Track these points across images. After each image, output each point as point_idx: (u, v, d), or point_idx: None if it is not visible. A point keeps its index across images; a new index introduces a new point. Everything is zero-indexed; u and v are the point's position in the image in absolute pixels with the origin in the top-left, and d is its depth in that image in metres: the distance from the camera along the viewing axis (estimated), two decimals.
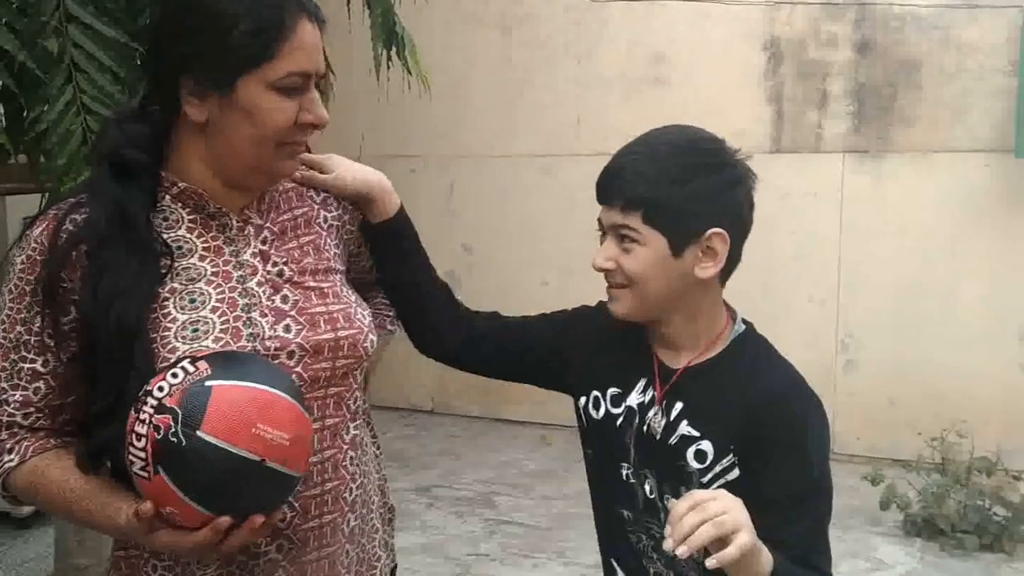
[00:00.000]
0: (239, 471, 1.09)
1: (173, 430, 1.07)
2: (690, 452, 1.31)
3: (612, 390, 1.40)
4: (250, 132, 1.23)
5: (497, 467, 4.69)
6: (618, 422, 1.38)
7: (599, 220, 1.36)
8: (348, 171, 1.43)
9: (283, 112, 1.22)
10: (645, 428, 1.35)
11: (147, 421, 1.09)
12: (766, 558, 1.17)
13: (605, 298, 1.39)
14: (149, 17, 2.36)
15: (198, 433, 1.07)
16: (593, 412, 1.42)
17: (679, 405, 1.33)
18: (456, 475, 4.63)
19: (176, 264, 1.25)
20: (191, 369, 1.11)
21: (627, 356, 1.40)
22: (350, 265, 1.45)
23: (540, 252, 5.33)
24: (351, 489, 1.35)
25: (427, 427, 5.34)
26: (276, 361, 1.24)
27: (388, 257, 1.48)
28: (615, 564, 1.43)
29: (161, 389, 1.10)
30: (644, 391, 1.37)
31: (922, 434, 4.07)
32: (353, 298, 1.37)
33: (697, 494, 1.14)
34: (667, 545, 1.11)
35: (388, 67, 2.66)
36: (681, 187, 1.29)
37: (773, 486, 1.27)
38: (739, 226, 1.33)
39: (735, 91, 4.92)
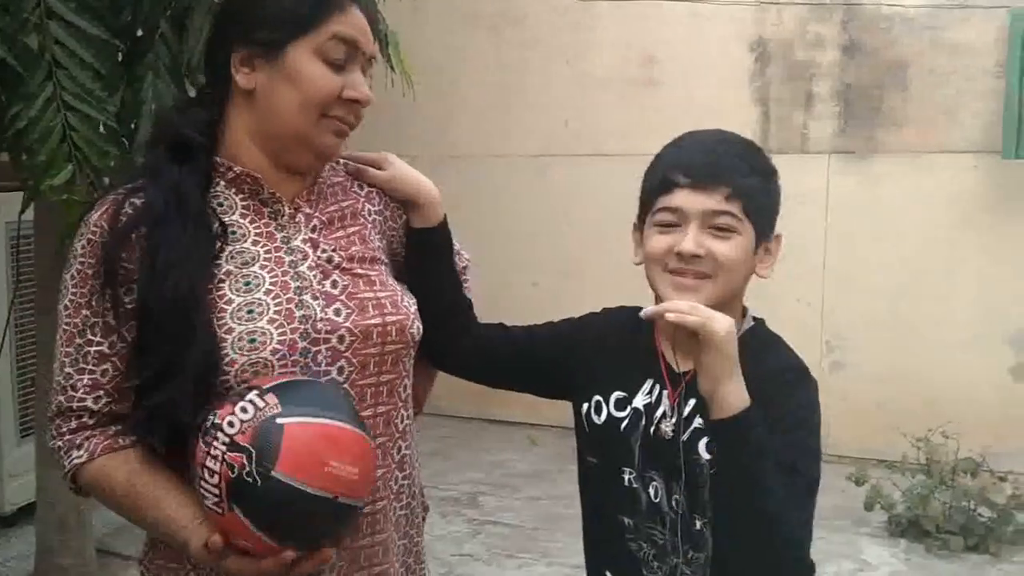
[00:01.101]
0: (313, 509, 1.13)
1: (247, 469, 1.10)
2: (701, 444, 1.32)
3: (617, 393, 1.41)
4: (295, 97, 1.27)
5: (486, 468, 4.69)
6: (623, 425, 1.38)
7: (670, 208, 1.34)
8: (402, 172, 1.48)
9: (327, 80, 1.27)
10: (652, 429, 1.36)
11: (219, 458, 1.11)
12: (739, 391, 1.22)
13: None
14: (131, 14, 2.36)
15: (273, 473, 1.10)
16: (595, 417, 1.42)
17: (692, 402, 1.34)
18: (444, 476, 4.61)
19: (230, 247, 1.29)
20: (260, 404, 1.14)
21: (633, 358, 1.42)
22: (392, 262, 1.48)
23: (532, 253, 5.32)
24: (398, 478, 1.38)
25: (420, 428, 5.31)
26: (328, 345, 1.28)
27: (423, 263, 1.50)
28: (608, 574, 1.43)
29: (232, 425, 1.12)
30: (651, 392, 1.38)
31: (908, 435, 4.07)
32: (398, 287, 1.41)
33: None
34: (645, 312, 1.27)
35: (371, 64, 2.66)
36: (769, 183, 1.38)
37: (779, 454, 1.27)
38: None
39: (723, 92, 4.92)
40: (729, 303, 1.36)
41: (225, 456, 1.11)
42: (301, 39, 1.27)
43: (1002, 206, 4.52)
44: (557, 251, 5.24)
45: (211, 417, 1.14)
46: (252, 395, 1.15)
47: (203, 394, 1.20)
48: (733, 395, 1.23)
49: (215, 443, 1.12)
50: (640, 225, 1.44)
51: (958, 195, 4.58)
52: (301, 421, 1.13)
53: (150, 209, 1.25)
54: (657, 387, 1.38)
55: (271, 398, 1.14)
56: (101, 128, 2.21)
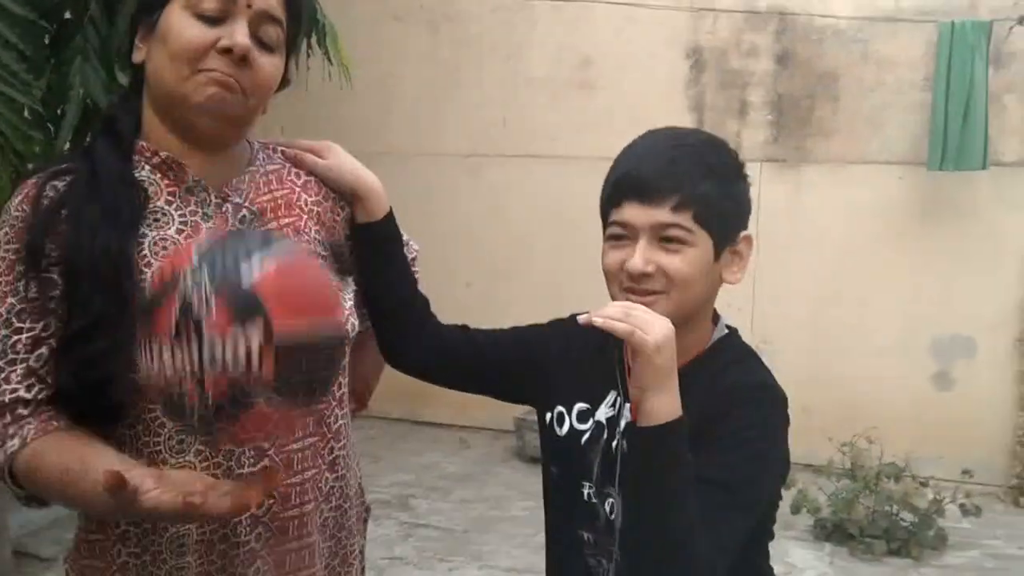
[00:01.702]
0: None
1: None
2: None
3: (579, 405, 1.36)
4: (166, 55, 1.20)
5: (416, 470, 4.64)
6: (583, 438, 1.33)
7: (619, 222, 1.27)
8: (344, 162, 1.40)
9: (193, 31, 1.19)
10: (614, 443, 1.30)
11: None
12: (668, 402, 1.14)
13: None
14: None
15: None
16: (557, 428, 1.37)
17: None
18: (374, 478, 4.54)
19: (153, 234, 1.22)
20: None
21: (597, 370, 1.35)
22: (332, 254, 1.40)
23: (465, 253, 5.29)
24: (328, 479, 1.32)
25: (357, 427, 5.25)
26: None
27: (370, 259, 1.42)
28: None
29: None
30: (614, 404, 1.32)
31: (834, 440, 4.14)
32: (334, 281, 1.31)
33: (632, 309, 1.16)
34: (581, 318, 1.17)
35: (308, 55, 2.60)
36: (727, 186, 1.27)
37: (704, 466, 1.20)
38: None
39: (659, 97, 4.96)
40: (694, 315, 1.29)
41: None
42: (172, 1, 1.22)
43: (927, 217, 4.64)
44: (490, 251, 5.22)
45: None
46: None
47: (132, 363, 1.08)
48: (660, 405, 1.15)
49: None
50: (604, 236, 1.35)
51: (884, 205, 4.69)
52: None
53: (72, 187, 1.20)
54: (619, 399, 1.32)
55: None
56: (25, 112, 2.11)
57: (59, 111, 2.21)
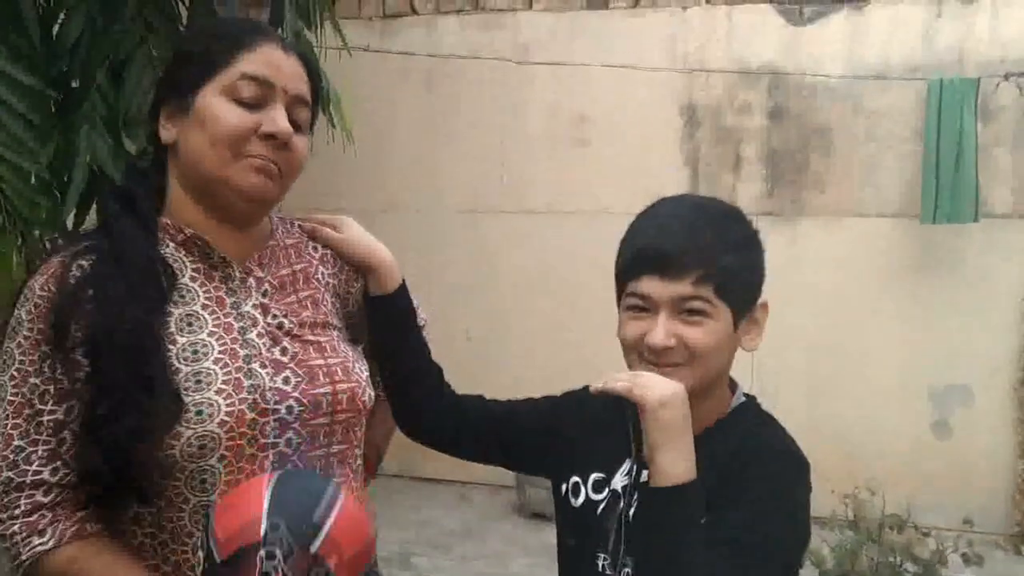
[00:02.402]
0: None
1: None
2: None
3: (595, 475, 1.35)
4: (204, 138, 1.22)
5: (415, 526, 4.62)
6: (599, 508, 1.32)
7: (639, 294, 1.26)
8: (357, 236, 1.44)
9: (235, 116, 1.22)
10: (630, 512, 1.29)
11: None
12: (679, 462, 1.15)
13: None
14: (67, 63, 2.32)
15: None
16: (573, 500, 1.36)
17: None
18: None
19: (179, 311, 1.23)
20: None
21: (611, 439, 1.35)
22: (347, 325, 1.44)
23: (464, 306, 5.32)
24: None
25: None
26: (276, 416, 1.23)
27: (382, 330, 1.46)
28: None
29: None
30: (630, 472, 1.31)
31: (835, 491, 4.13)
32: (351, 353, 1.37)
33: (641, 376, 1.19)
34: (591, 388, 1.19)
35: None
36: (746, 257, 1.27)
37: (714, 528, 1.20)
38: None
39: (654, 153, 5.04)
40: (712, 384, 1.29)
41: None
42: (208, 83, 1.23)
43: (921, 267, 4.68)
44: (489, 304, 5.25)
45: None
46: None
47: (160, 443, 1.15)
48: (670, 464, 1.15)
49: None
50: (618, 301, 1.33)
51: (880, 256, 4.74)
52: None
53: (97, 266, 1.21)
54: (634, 467, 1.31)
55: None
56: (32, 179, 2.15)
57: (66, 177, 2.25)
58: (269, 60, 1.24)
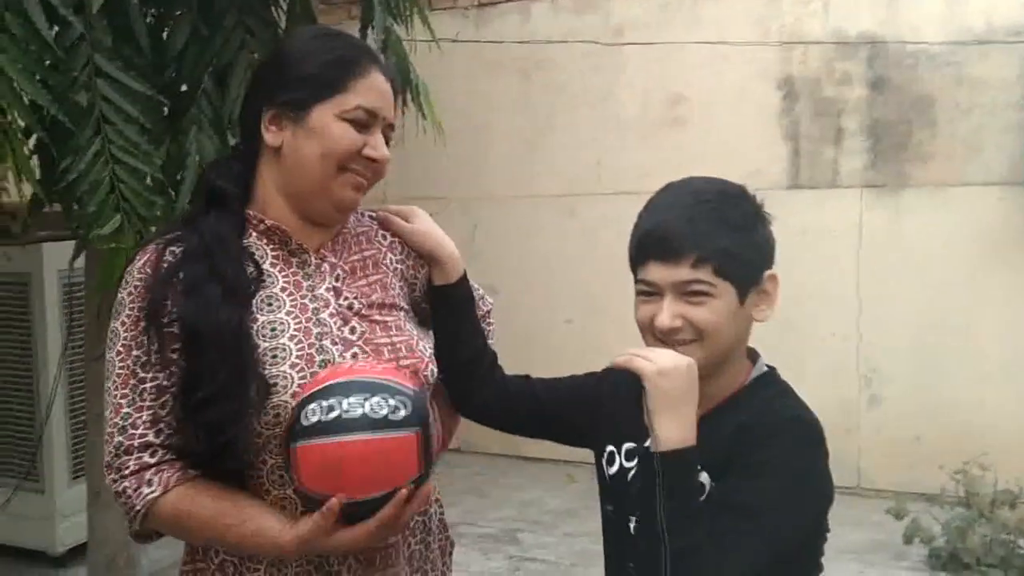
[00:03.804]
0: None
1: None
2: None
3: (628, 445, 1.42)
4: (316, 151, 1.36)
5: (520, 505, 4.72)
6: (631, 475, 1.40)
7: (645, 280, 1.35)
8: (424, 227, 1.55)
9: (349, 138, 1.36)
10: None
11: None
12: (677, 429, 1.22)
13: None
14: (175, 71, 2.47)
15: None
16: (608, 468, 1.45)
17: None
18: (480, 513, 4.66)
19: (261, 293, 1.37)
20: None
21: (642, 409, 1.38)
22: (415, 309, 1.55)
23: (563, 292, 5.39)
24: (413, 516, 1.42)
25: (453, 465, 5.35)
26: None
27: (443, 317, 1.56)
28: None
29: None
30: None
31: (945, 468, 4.05)
32: (415, 332, 1.48)
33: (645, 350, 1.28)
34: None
35: (403, 113, 2.76)
36: (745, 236, 1.33)
37: (721, 492, 1.27)
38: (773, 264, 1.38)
39: (752, 130, 4.98)
40: (727, 357, 1.36)
41: None
42: (324, 103, 1.36)
43: None
44: (587, 288, 5.29)
45: None
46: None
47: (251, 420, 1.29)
48: (668, 430, 1.23)
49: None
50: None
51: (986, 227, 4.59)
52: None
53: (190, 254, 1.35)
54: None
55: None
56: (147, 180, 2.30)
57: (178, 177, 2.41)
58: (378, 90, 1.40)
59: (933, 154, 4.68)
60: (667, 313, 1.31)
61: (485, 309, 1.67)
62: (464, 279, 1.56)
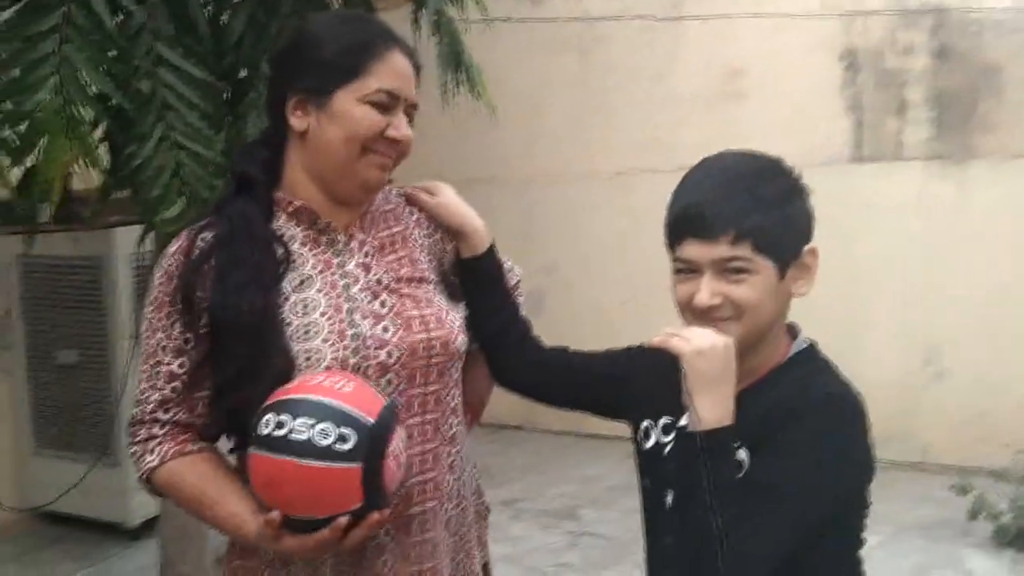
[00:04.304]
0: None
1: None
2: None
3: (664, 419, 1.43)
4: (340, 135, 1.39)
5: (581, 481, 4.75)
6: (667, 450, 1.40)
7: (683, 259, 1.34)
8: (450, 202, 1.58)
9: (371, 120, 1.39)
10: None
11: None
12: (713, 408, 1.23)
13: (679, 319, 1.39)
14: (234, 58, 2.54)
15: None
16: (644, 443, 1.46)
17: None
18: (541, 489, 4.71)
19: (291, 274, 1.41)
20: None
21: (679, 384, 1.38)
22: (444, 283, 1.59)
23: (620, 270, 5.38)
24: (448, 481, 1.48)
25: (514, 443, 5.43)
26: (377, 360, 1.39)
27: (473, 290, 1.59)
28: None
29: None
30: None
31: (1010, 445, 3.98)
32: (445, 304, 1.51)
33: (685, 330, 1.29)
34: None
35: (455, 93, 2.79)
36: (781, 211, 1.31)
37: (755, 470, 1.27)
38: (813, 237, 1.36)
39: (812, 103, 4.91)
40: (766, 333, 1.35)
41: None
42: (346, 87, 1.39)
43: None
44: (645, 267, 5.24)
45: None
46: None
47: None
48: (705, 410, 1.24)
49: None
50: None
51: None
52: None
53: (220, 239, 1.39)
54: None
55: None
56: (209, 164, 2.37)
57: None
58: (398, 71, 1.42)
59: (999, 124, 4.57)
60: (706, 291, 1.30)
61: (513, 281, 1.69)
62: (491, 252, 1.59)
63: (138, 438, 1.42)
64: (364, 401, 1.28)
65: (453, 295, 1.59)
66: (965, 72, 4.62)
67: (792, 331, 1.41)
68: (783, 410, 1.28)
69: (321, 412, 1.24)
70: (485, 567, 1.62)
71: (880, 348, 4.78)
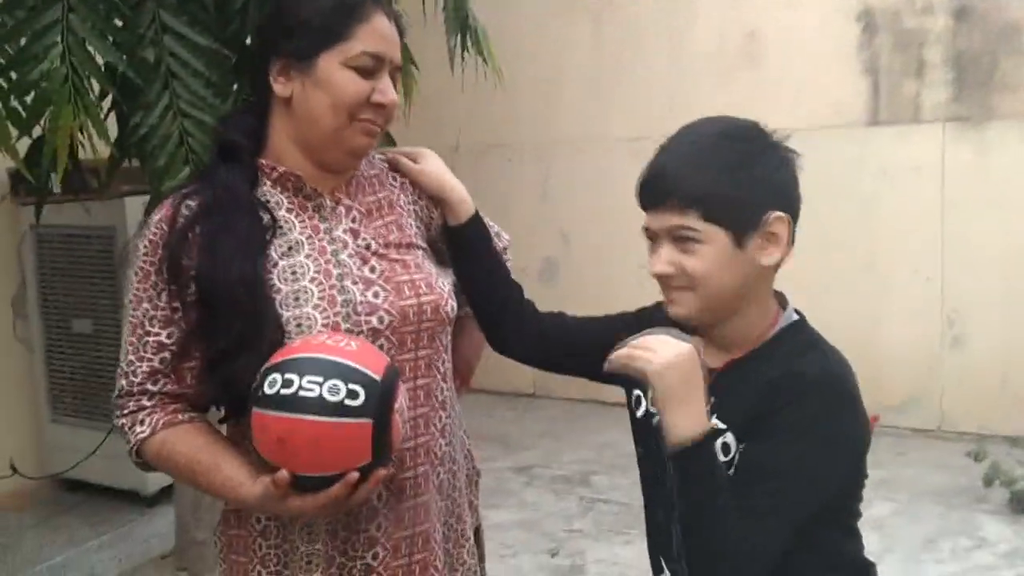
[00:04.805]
0: None
1: None
2: (717, 445, 1.28)
3: None
4: (327, 102, 1.37)
5: (596, 448, 4.75)
6: (655, 420, 1.37)
7: (646, 228, 1.33)
8: (432, 169, 1.56)
9: (356, 86, 1.37)
10: None
11: None
12: (686, 421, 1.19)
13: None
14: (239, 25, 2.51)
15: None
16: (635, 411, 1.45)
17: (711, 400, 1.29)
18: (555, 456, 4.72)
19: (278, 240, 1.40)
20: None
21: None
22: (433, 249, 1.58)
23: (636, 236, 5.30)
24: (440, 445, 1.49)
25: (529, 410, 5.44)
26: (368, 326, 1.38)
27: (458, 257, 1.58)
28: (663, 563, 1.44)
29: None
30: None
31: None
32: (434, 269, 1.51)
33: (643, 340, 1.24)
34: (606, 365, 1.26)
35: (463, 59, 2.76)
36: (734, 176, 1.26)
37: (752, 454, 1.24)
38: (794, 207, 1.31)
39: (830, 65, 4.85)
40: (734, 305, 1.31)
41: None
42: (330, 50, 1.37)
43: None
44: None
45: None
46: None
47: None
48: (677, 424, 1.20)
49: None
50: None
51: None
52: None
53: (205, 207, 1.38)
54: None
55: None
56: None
57: None
58: (381, 34, 1.40)
59: (1020, 84, 4.50)
60: (659, 260, 1.29)
61: (502, 245, 1.68)
62: (475, 219, 1.57)
63: (127, 410, 1.41)
64: (370, 358, 1.28)
65: (443, 261, 1.58)
66: (985, 32, 4.54)
67: (781, 302, 1.37)
68: (778, 391, 1.25)
69: (329, 369, 1.24)
70: (477, 531, 1.63)
71: (898, 313, 4.74)
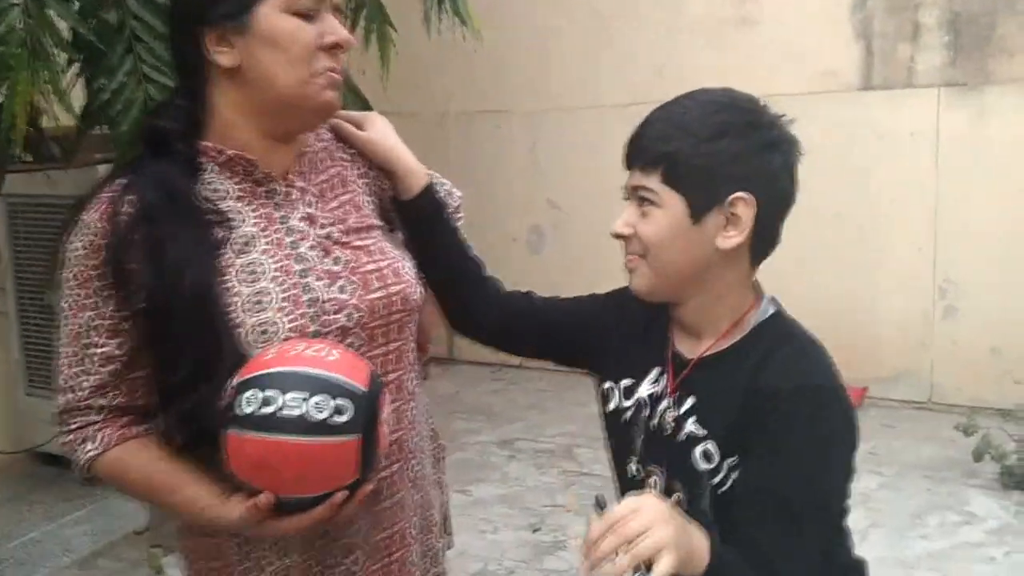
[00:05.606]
0: None
1: None
2: (697, 451, 1.22)
3: (625, 381, 1.35)
4: (279, 57, 1.24)
5: (581, 421, 4.68)
6: (627, 415, 1.32)
7: (623, 188, 1.29)
8: (381, 138, 1.44)
9: (304, 31, 1.24)
10: (655, 422, 1.28)
11: None
12: (699, 558, 1.06)
13: None
14: None
15: None
16: (605, 404, 1.38)
17: (690, 400, 1.25)
18: (540, 428, 4.66)
19: (231, 235, 1.27)
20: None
21: (645, 345, 1.33)
22: (384, 218, 1.47)
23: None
24: (412, 438, 1.41)
25: (516, 381, 5.37)
26: (337, 325, 1.28)
27: (412, 232, 1.47)
28: None
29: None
30: (656, 381, 1.30)
31: (1020, 383, 3.89)
32: (397, 252, 1.40)
33: (617, 511, 1.02)
34: (582, 572, 1.04)
35: (439, 19, 2.67)
36: (705, 145, 1.19)
37: (753, 479, 1.17)
38: (775, 196, 1.22)
39: (822, 28, 4.73)
40: (688, 288, 1.25)
41: None
42: (263, 2, 1.23)
43: None
44: None
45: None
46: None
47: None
48: (685, 565, 1.04)
49: None
50: None
51: None
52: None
53: (147, 207, 1.23)
54: (664, 376, 1.30)
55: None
56: None
57: None
58: None
59: (1018, 48, 4.38)
60: (620, 219, 1.26)
61: (454, 205, 1.57)
62: (428, 191, 1.45)
63: (73, 426, 1.29)
64: (353, 368, 1.19)
65: (395, 229, 1.48)
66: None
67: (758, 294, 1.30)
68: (770, 400, 1.17)
69: (312, 384, 1.14)
70: (442, 507, 1.56)
71: (889, 283, 4.67)
